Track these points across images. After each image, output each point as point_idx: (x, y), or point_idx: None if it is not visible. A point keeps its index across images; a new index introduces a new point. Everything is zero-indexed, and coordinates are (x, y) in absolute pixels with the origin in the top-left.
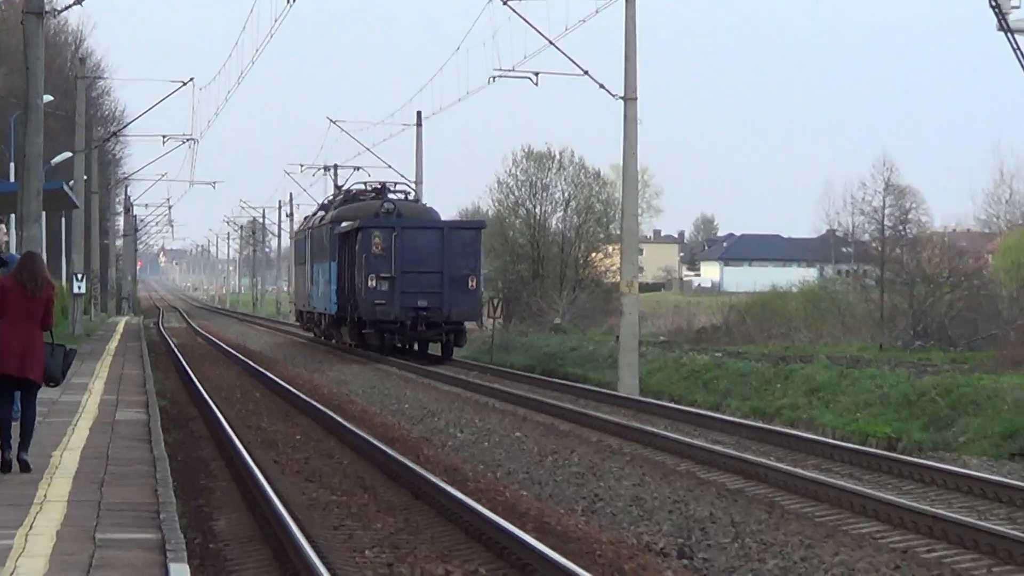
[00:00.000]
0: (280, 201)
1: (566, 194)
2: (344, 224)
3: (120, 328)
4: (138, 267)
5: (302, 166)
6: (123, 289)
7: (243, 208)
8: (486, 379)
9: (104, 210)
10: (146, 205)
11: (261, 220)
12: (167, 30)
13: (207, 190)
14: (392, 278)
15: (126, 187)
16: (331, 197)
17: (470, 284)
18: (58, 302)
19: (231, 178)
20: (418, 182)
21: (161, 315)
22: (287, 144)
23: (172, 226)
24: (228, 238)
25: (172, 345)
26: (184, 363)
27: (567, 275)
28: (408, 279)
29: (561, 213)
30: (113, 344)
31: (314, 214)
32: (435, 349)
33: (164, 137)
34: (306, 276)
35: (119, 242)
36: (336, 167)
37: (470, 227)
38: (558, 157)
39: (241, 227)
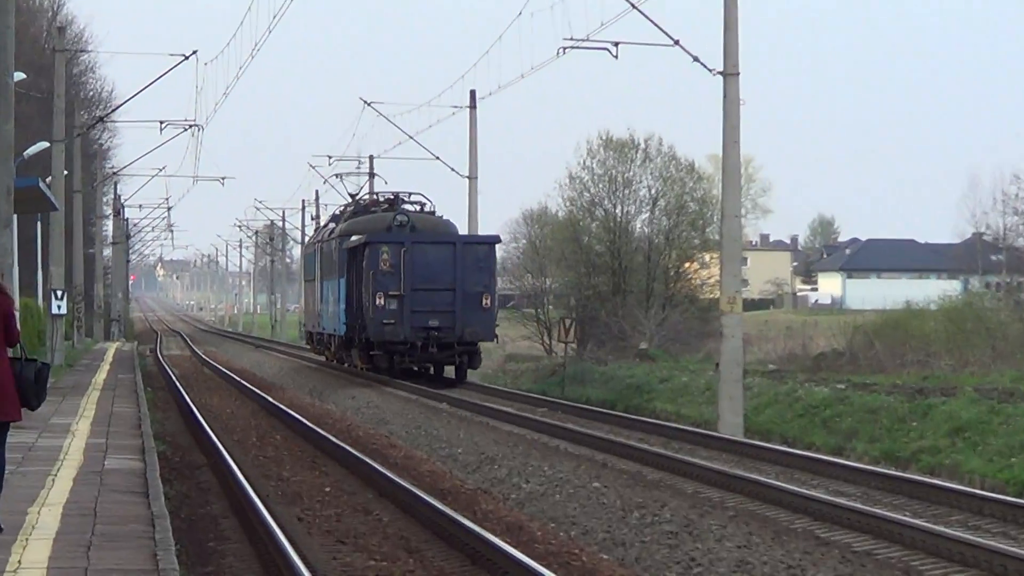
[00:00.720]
0: (303, 201)
1: (653, 191)
2: (353, 238)
3: (109, 356)
4: (131, 282)
5: (330, 158)
6: (112, 309)
7: (258, 210)
8: (557, 417)
9: (89, 212)
10: (140, 206)
11: (280, 224)
12: None
13: (214, 188)
14: (401, 296)
15: (116, 184)
16: (342, 208)
17: (484, 302)
18: (32, 324)
19: (243, 173)
20: (472, 176)
21: (159, 340)
22: (311, 132)
23: (172, 232)
24: (240, 246)
25: (172, 377)
26: (187, 399)
27: (655, 290)
28: (418, 297)
29: (647, 214)
30: (101, 376)
31: (324, 226)
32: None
33: (162, 123)
34: (315, 294)
35: (107, 252)
36: (372, 160)
37: (484, 241)
38: (643, 146)
39: (256, 232)
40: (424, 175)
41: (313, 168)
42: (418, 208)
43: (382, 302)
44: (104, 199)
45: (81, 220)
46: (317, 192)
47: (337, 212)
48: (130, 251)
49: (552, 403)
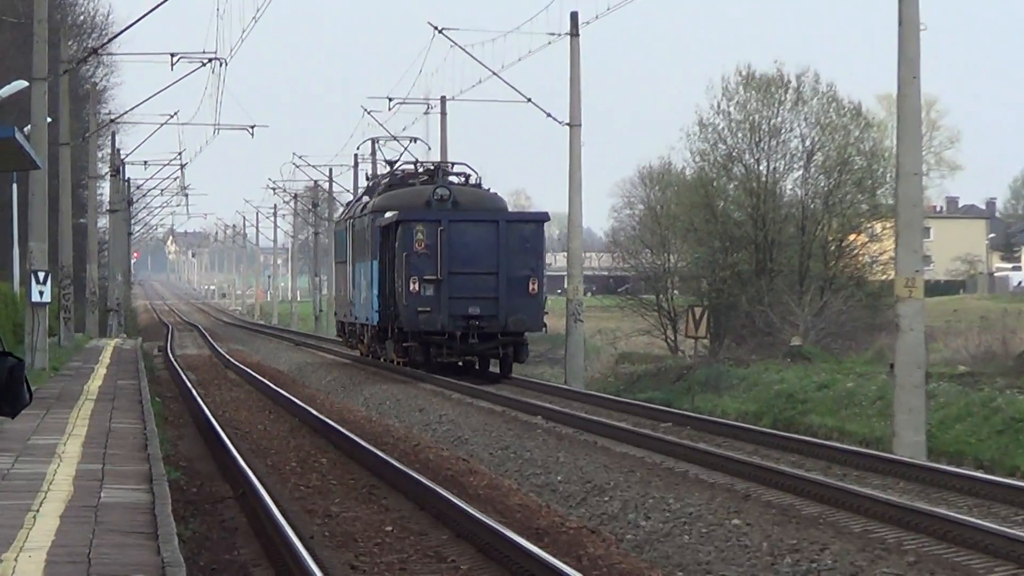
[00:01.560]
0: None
1: (807, 142)
2: (387, 215)
3: (106, 357)
4: (133, 261)
5: (391, 100)
6: (110, 296)
7: (297, 167)
8: (684, 435)
9: (80, 171)
10: (146, 163)
11: (326, 185)
12: None
13: (241, 139)
14: (438, 281)
15: (114, 135)
16: (376, 178)
17: (531, 287)
18: (6, 316)
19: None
20: (574, 124)
21: (170, 336)
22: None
23: (187, 196)
24: (275, 214)
25: (188, 383)
26: (207, 412)
27: (810, 270)
28: (457, 282)
29: (800, 172)
30: (95, 382)
31: (358, 199)
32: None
33: (174, 57)
34: (347, 279)
35: (103, 222)
36: (444, 102)
37: (531, 219)
38: (794, 84)
39: (295, 197)
40: (510, 122)
41: (369, 114)
42: (462, 180)
43: (416, 287)
44: (100, 154)
45: (69, 181)
46: (375, 144)
47: (371, 183)
48: (133, 221)
49: (678, 416)
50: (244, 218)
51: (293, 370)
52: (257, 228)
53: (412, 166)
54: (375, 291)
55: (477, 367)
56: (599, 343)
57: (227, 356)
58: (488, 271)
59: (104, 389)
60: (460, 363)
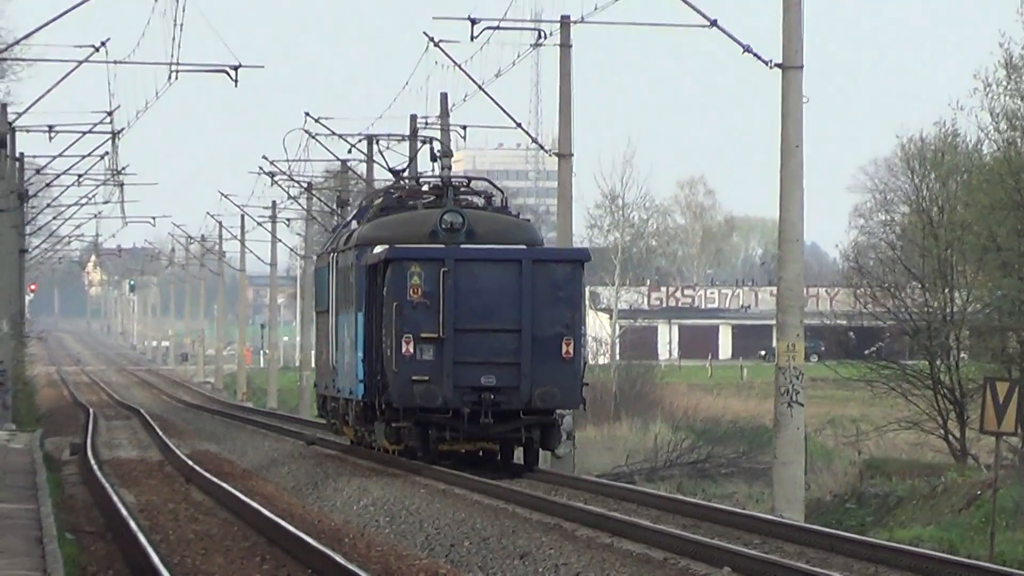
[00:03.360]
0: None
1: None
2: (376, 250)
3: None
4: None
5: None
6: None
7: (312, 137)
8: None
9: None
10: (51, 130)
11: (361, 167)
12: None
13: (215, 88)
14: (440, 340)
15: None
16: (368, 197)
17: (566, 350)
18: None
19: (276, 61)
20: (564, 153)
21: (92, 426)
22: None
23: (122, 187)
24: (274, 217)
25: (122, 510)
26: (155, 561)
27: None
28: (465, 342)
29: None
30: None
31: (345, 224)
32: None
33: None
34: (329, 335)
35: None
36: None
37: (566, 259)
38: None
39: (308, 187)
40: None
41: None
42: (482, 202)
43: (411, 349)
44: None
45: None
46: (372, 144)
47: (364, 202)
48: (29, 230)
49: (973, 571)
50: (220, 224)
51: (303, 485)
52: (242, 241)
53: (414, 180)
54: (360, 353)
55: (500, 458)
56: (830, 442)
57: (189, 462)
58: (508, 328)
59: None
60: (465, 451)
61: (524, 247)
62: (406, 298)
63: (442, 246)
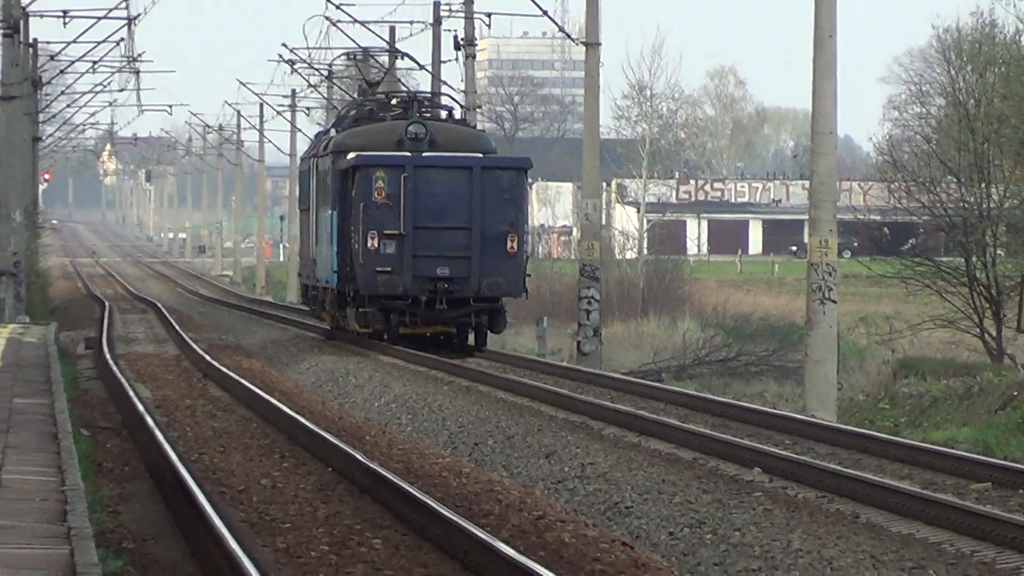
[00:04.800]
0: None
1: None
2: (349, 157)
3: None
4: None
5: None
6: (3, 247)
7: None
8: (1014, 506)
9: None
10: (66, 15)
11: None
12: None
13: None
14: (401, 237)
15: None
16: (345, 108)
17: (510, 245)
18: None
19: None
20: (591, 42)
21: (108, 320)
22: None
23: (138, 74)
24: (293, 105)
25: (138, 405)
26: (171, 455)
27: None
28: (424, 238)
29: None
30: None
31: (325, 132)
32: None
33: None
34: (310, 231)
35: None
36: None
37: (511, 166)
38: None
39: (329, 74)
40: None
41: None
42: (446, 114)
43: (375, 244)
44: None
45: None
46: (354, 60)
47: (340, 114)
48: (43, 118)
49: (1005, 473)
50: (239, 114)
51: (324, 380)
52: (261, 131)
53: (384, 96)
54: (335, 248)
55: (456, 340)
56: (863, 340)
57: (207, 357)
58: (460, 225)
59: None
60: (428, 335)
61: (477, 155)
62: (371, 199)
63: (407, 154)
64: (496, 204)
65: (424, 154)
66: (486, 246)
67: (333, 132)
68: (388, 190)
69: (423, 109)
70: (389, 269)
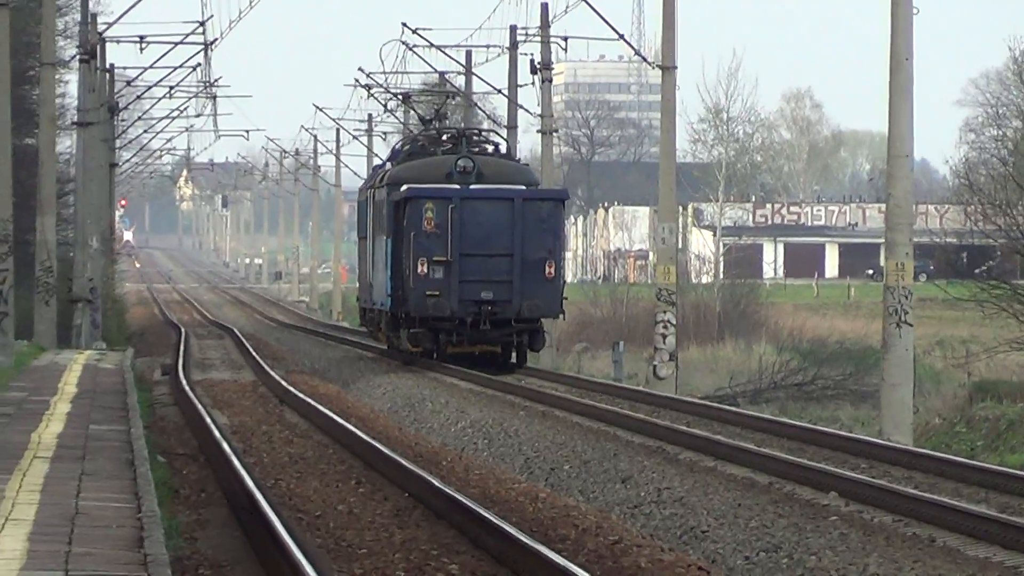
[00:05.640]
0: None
1: None
2: (403, 188)
3: (70, 383)
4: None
5: None
6: (78, 276)
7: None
8: None
9: (25, 52)
10: (142, 41)
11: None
12: None
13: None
14: (448, 263)
15: None
16: (400, 142)
17: (548, 271)
18: None
19: None
20: (668, 66)
21: (184, 347)
22: None
23: (214, 99)
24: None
25: (215, 431)
26: (248, 481)
27: None
28: (469, 264)
29: None
30: (50, 428)
31: (381, 165)
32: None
33: None
34: (368, 257)
35: (66, 143)
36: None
37: (549, 197)
38: None
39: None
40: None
41: None
42: (493, 148)
43: (425, 270)
44: (61, 23)
45: (8, 70)
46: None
47: (397, 145)
48: (120, 144)
49: None
50: (316, 139)
51: (400, 406)
52: (337, 155)
53: (435, 132)
54: (389, 272)
55: (513, 358)
56: (939, 363)
57: (283, 383)
58: (502, 252)
59: (67, 441)
60: (476, 353)
61: (519, 187)
62: (422, 228)
63: (455, 186)
64: (535, 233)
65: (471, 186)
66: (526, 271)
67: (388, 165)
68: (437, 220)
69: (471, 144)
70: (438, 293)
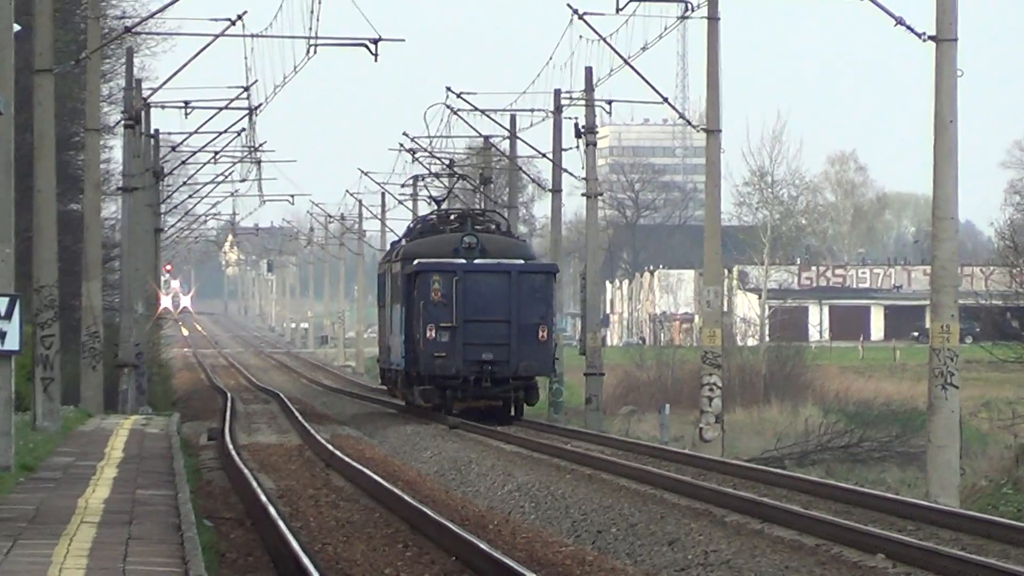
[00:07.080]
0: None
1: None
2: (415, 263)
3: (116, 448)
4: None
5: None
6: (124, 341)
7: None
8: None
9: (71, 119)
10: (187, 106)
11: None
12: None
13: (355, 62)
14: (453, 328)
15: (131, 54)
16: (413, 222)
17: (541, 334)
18: None
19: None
20: (712, 129)
21: (230, 411)
22: None
23: (259, 164)
24: (415, 195)
25: (262, 496)
26: (295, 546)
27: None
28: (472, 329)
29: None
30: (97, 493)
31: (397, 242)
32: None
33: None
34: (387, 323)
35: (112, 208)
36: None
37: (541, 271)
38: None
39: (450, 164)
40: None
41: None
42: (493, 227)
43: (433, 334)
44: (106, 88)
45: (52, 135)
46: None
47: (412, 224)
48: (165, 208)
49: None
50: (360, 203)
51: (446, 469)
52: (383, 219)
53: (441, 210)
54: (403, 337)
55: (512, 412)
56: (985, 425)
57: (329, 447)
58: (500, 319)
59: (114, 505)
60: (483, 407)
61: (516, 261)
62: (430, 298)
63: (460, 261)
64: (530, 301)
65: (474, 260)
66: (522, 335)
67: (403, 242)
68: (443, 291)
69: (476, 222)
70: (444, 354)
